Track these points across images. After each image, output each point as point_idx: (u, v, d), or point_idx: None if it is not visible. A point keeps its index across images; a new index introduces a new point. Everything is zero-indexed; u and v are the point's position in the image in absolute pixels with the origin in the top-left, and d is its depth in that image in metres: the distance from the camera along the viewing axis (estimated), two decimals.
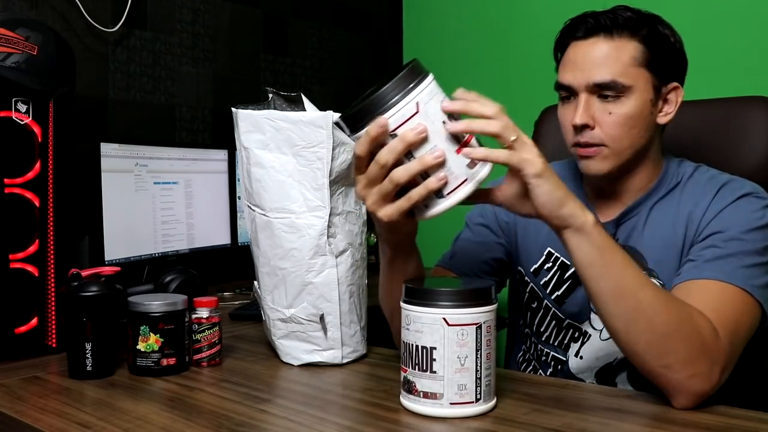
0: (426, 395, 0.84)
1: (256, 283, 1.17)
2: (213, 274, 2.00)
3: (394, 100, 0.80)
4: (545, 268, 1.18)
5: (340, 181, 1.05)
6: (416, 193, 0.82)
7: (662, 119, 1.09)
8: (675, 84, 1.09)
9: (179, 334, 1.06)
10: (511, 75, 2.46)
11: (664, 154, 1.14)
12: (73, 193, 1.27)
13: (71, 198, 1.25)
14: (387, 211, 0.84)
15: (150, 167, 1.78)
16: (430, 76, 0.83)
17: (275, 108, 1.07)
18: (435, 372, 0.83)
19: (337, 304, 1.07)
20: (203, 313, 1.10)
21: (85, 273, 1.14)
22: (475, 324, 0.83)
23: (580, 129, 1.05)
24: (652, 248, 1.09)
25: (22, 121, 1.17)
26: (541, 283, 1.19)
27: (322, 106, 1.06)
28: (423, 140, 0.80)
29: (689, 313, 0.88)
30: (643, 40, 1.04)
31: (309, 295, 1.06)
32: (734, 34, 2.01)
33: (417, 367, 0.84)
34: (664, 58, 1.06)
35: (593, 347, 1.13)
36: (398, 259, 0.99)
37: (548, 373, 1.18)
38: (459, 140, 0.82)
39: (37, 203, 1.18)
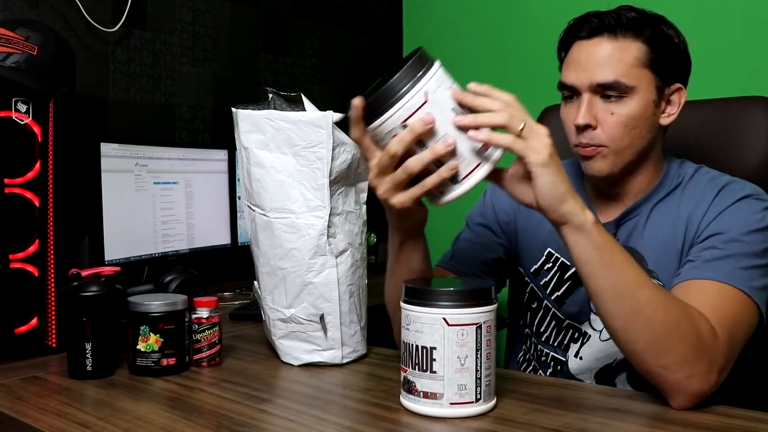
0: (426, 395, 0.84)
1: (256, 283, 1.17)
2: (213, 274, 2.00)
3: (402, 92, 0.81)
4: (545, 268, 1.18)
5: (340, 181, 1.05)
6: (429, 182, 0.84)
7: (665, 120, 1.09)
8: (678, 85, 1.08)
9: (179, 334, 1.06)
10: (511, 75, 2.46)
11: (666, 155, 1.14)
12: (73, 193, 1.27)
13: (71, 198, 1.25)
14: (400, 199, 0.86)
15: (150, 167, 1.78)
16: (437, 64, 0.84)
17: (275, 108, 1.07)
18: (435, 372, 0.83)
19: (337, 304, 1.07)
20: (203, 313, 1.10)
21: (85, 273, 1.14)
22: (475, 324, 0.83)
23: (582, 129, 1.05)
24: (653, 249, 1.08)
25: (22, 121, 1.17)
26: (541, 283, 1.19)
27: (322, 106, 1.06)
28: (432, 130, 0.81)
29: (688, 313, 0.88)
30: (647, 40, 1.04)
31: (309, 295, 1.06)
32: (734, 34, 2.01)
33: (417, 367, 0.84)
34: (668, 59, 1.06)
35: (593, 348, 1.13)
36: (407, 247, 1.00)
37: (548, 374, 1.18)
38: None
39: (37, 203, 1.18)
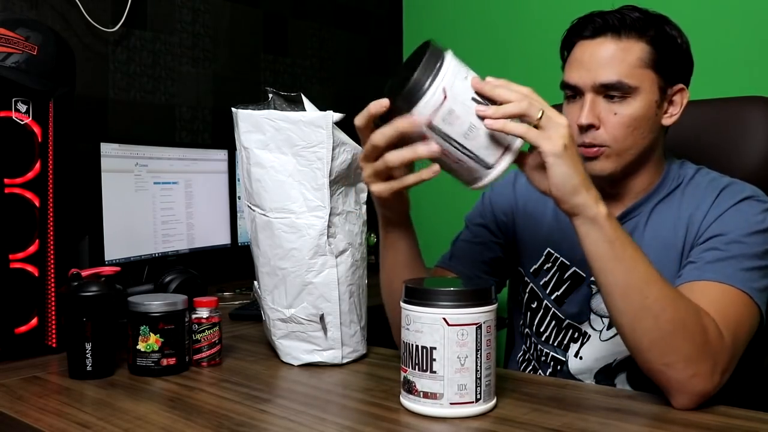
0: (426, 395, 0.84)
1: (256, 283, 1.17)
2: (213, 274, 2.00)
3: (420, 92, 0.81)
4: (545, 268, 1.18)
5: (340, 181, 1.05)
6: (409, 180, 0.88)
7: (667, 121, 1.09)
8: (681, 85, 1.08)
9: (179, 334, 1.06)
10: (511, 75, 2.44)
11: (666, 156, 1.14)
12: (73, 193, 1.27)
13: (71, 198, 1.25)
14: (378, 188, 0.89)
15: (150, 167, 1.78)
16: (449, 56, 0.84)
17: (275, 108, 1.07)
18: (435, 372, 0.83)
19: (337, 304, 1.07)
20: (203, 313, 1.10)
21: (85, 273, 1.14)
22: (475, 324, 0.83)
23: (585, 129, 1.05)
24: (653, 249, 1.08)
25: (22, 121, 1.17)
26: (541, 283, 1.19)
27: (322, 106, 1.06)
28: (416, 130, 0.83)
29: (696, 311, 0.88)
30: (651, 41, 1.04)
31: (309, 295, 1.06)
32: (734, 34, 2.01)
33: (417, 367, 0.84)
34: (671, 59, 1.06)
35: (593, 348, 1.13)
36: (392, 235, 1.03)
37: (547, 374, 1.18)
38: None
39: (37, 203, 1.18)
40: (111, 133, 1.93)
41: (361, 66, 2.72)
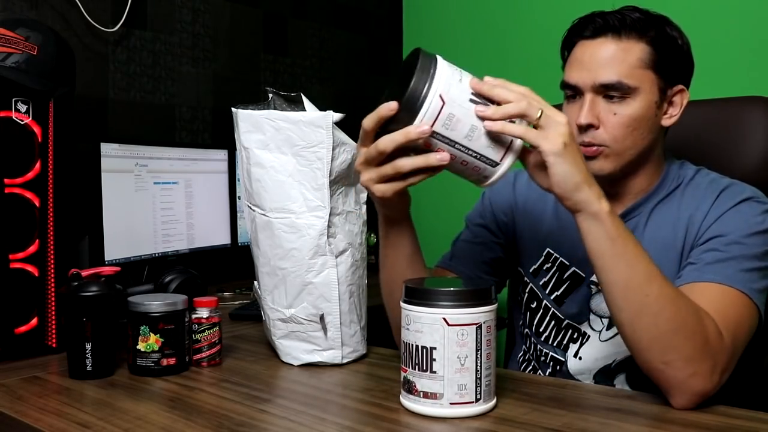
0: (426, 395, 0.84)
1: (256, 283, 1.17)
2: (213, 274, 2.00)
3: (419, 103, 0.82)
4: (544, 268, 1.18)
5: (340, 181, 1.05)
6: (413, 180, 0.88)
7: (666, 121, 1.09)
8: (681, 86, 1.08)
9: (179, 334, 1.06)
10: (511, 75, 2.44)
11: (666, 156, 1.14)
12: (73, 193, 1.27)
13: (71, 198, 1.25)
14: (382, 188, 0.89)
15: (150, 167, 1.78)
16: (440, 61, 0.84)
17: (275, 108, 1.07)
18: (435, 372, 0.83)
19: (337, 304, 1.07)
20: (203, 313, 1.10)
21: (85, 273, 1.14)
22: (475, 324, 0.83)
23: (584, 129, 1.05)
24: (653, 250, 1.08)
25: (22, 121, 1.17)
26: (541, 283, 1.19)
27: (322, 106, 1.06)
28: (425, 139, 0.83)
29: (696, 311, 0.88)
30: (651, 41, 1.04)
31: (309, 295, 1.06)
32: (734, 34, 2.01)
33: (417, 367, 0.84)
34: (671, 60, 1.06)
35: (592, 348, 1.13)
36: (394, 232, 1.03)
37: (547, 374, 1.18)
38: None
39: (37, 203, 1.18)
40: (111, 133, 1.93)
41: (361, 66, 2.72)
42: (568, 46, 1.11)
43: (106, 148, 1.65)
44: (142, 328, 1.04)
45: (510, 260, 1.25)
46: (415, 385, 0.85)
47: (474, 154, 0.85)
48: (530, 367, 1.24)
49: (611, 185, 1.12)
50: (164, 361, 1.05)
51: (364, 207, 1.11)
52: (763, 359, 1.25)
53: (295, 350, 1.09)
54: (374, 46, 2.77)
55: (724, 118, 1.32)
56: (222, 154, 2.02)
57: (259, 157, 1.05)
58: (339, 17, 2.63)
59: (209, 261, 2.01)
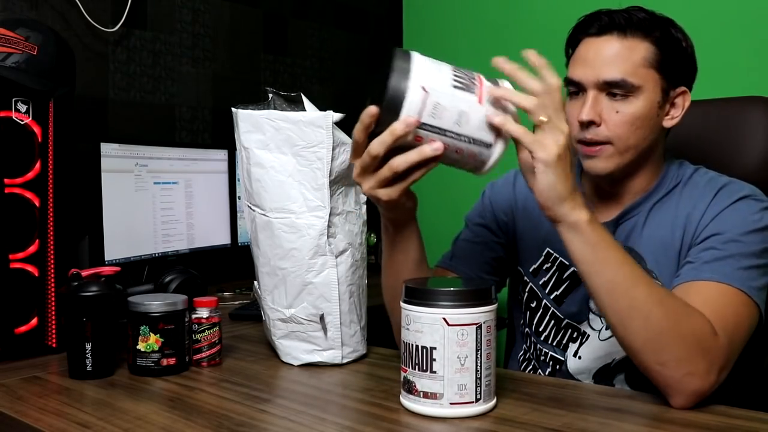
0: (426, 395, 0.84)
1: (256, 283, 1.17)
2: (213, 274, 2.00)
3: (400, 97, 0.81)
4: (544, 268, 1.19)
5: (340, 181, 1.05)
6: (416, 176, 0.87)
7: (668, 123, 1.09)
8: (683, 88, 1.09)
9: (179, 334, 1.06)
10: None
11: (666, 157, 1.14)
12: (73, 193, 1.27)
13: (71, 198, 1.25)
14: (386, 192, 0.88)
15: (150, 167, 1.78)
16: (416, 54, 0.85)
17: (275, 108, 1.07)
18: (435, 372, 0.83)
19: (337, 304, 1.07)
20: (203, 313, 1.10)
21: (85, 273, 1.14)
22: (475, 324, 0.83)
23: (586, 125, 1.05)
24: (651, 249, 1.09)
25: (22, 121, 1.17)
26: (540, 282, 1.19)
27: (322, 106, 1.06)
28: (410, 131, 0.83)
29: (686, 311, 0.88)
30: (656, 41, 1.05)
31: (309, 295, 1.06)
32: (734, 34, 2.01)
33: (417, 367, 0.84)
34: (675, 61, 1.06)
35: (592, 347, 1.13)
36: (400, 238, 1.01)
37: (546, 373, 1.18)
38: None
39: (37, 203, 1.18)
40: (111, 133, 1.93)
41: (361, 66, 2.72)
42: (572, 43, 1.11)
43: (106, 148, 1.65)
44: (142, 328, 1.04)
45: (510, 260, 1.25)
46: (415, 385, 0.85)
47: (466, 139, 0.85)
48: (530, 367, 1.24)
49: (610, 185, 1.12)
50: (164, 361, 1.05)
51: (364, 207, 1.11)
52: (763, 359, 1.25)
53: (295, 350, 1.09)
54: (374, 46, 2.77)
55: (724, 118, 1.32)
56: (222, 154, 2.02)
57: (259, 157, 1.05)
58: (339, 17, 2.63)
59: (209, 261, 2.01)
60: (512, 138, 0.86)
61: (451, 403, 0.83)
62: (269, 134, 1.04)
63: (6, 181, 1.16)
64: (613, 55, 1.04)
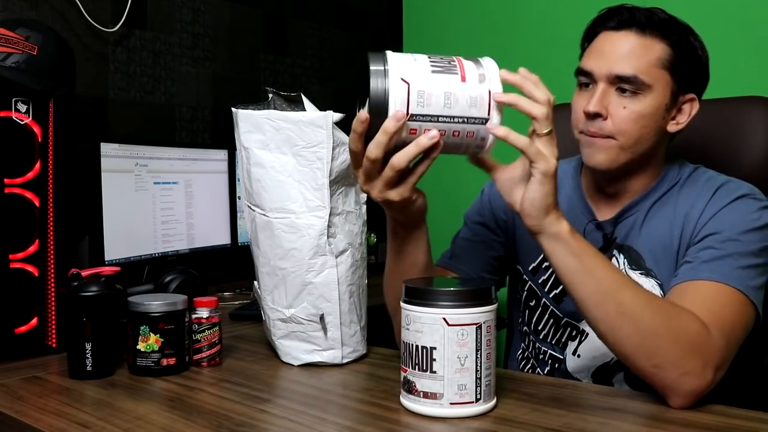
0: (426, 395, 0.84)
1: (256, 283, 1.17)
2: (213, 274, 2.00)
3: (383, 95, 0.82)
4: (543, 266, 1.19)
5: (340, 181, 1.05)
6: (421, 169, 0.87)
7: (672, 127, 1.09)
8: (692, 95, 1.09)
9: (179, 334, 1.06)
10: None
11: (667, 159, 1.14)
12: (73, 193, 1.27)
13: (71, 198, 1.25)
14: (397, 192, 0.88)
15: (150, 167, 1.78)
16: (388, 53, 0.85)
17: (275, 108, 1.07)
18: (435, 372, 0.83)
19: (337, 304, 1.07)
20: (203, 313, 1.10)
21: (85, 273, 1.14)
22: (475, 324, 0.83)
23: (592, 117, 1.05)
24: (650, 248, 1.09)
25: (22, 121, 1.17)
26: (540, 281, 1.19)
27: (322, 106, 1.06)
28: (401, 124, 0.82)
29: (675, 312, 0.89)
30: (673, 44, 1.05)
31: (309, 295, 1.06)
32: (734, 34, 2.01)
33: (417, 367, 0.84)
34: (688, 67, 1.07)
35: (591, 346, 1.13)
36: (410, 241, 1.00)
37: (545, 372, 1.18)
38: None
39: (37, 203, 1.18)
40: (111, 133, 1.93)
41: (361, 66, 2.72)
42: (589, 36, 1.11)
43: (106, 148, 1.65)
44: (142, 328, 1.04)
45: (510, 258, 1.25)
46: (415, 385, 0.85)
47: (459, 119, 0.84)
48: (529, 365, 1.24)
49: (609, 183, 1.12)
50: (164, 361, 1.05)
51: (364, 207, 1.11)
52: (762, 359, 1.25)
53: (295, 350, 1.10)
54: (374, 46, 2.77)
55: (724, 118, 1.32)
56: (222, 154, 2.02)
57: (259, 157, 1.05)
58: (339, 17, 2.63)
59: (209, 261, 2.01)
60: (515, 147, 0.86)
61: (451, 403, 0.83)
62: (269, 134, 1.04)
63: (6, 181, 1.16)
64: (628, 51, 1.04)
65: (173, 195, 1.85)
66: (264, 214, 1.07)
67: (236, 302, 1.71)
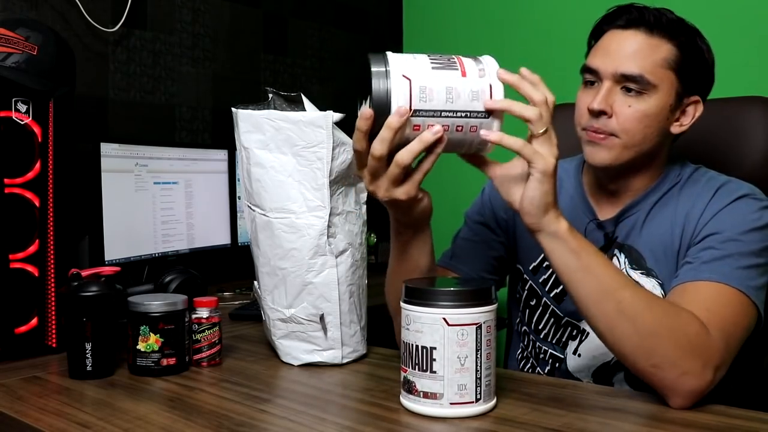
0: (426, 395, 0.84)
1: (256, 283, 1.17)
2: (213, 274, 2.00)
3: (386, 93, 0.82)
4: (544, 265, 1.19)
5: (340, 181, 1.05)
6: (427, 165, 0.86)
7: (676, 129, 1.09)
8: (697, 98, 1.09)
9: (179, 334, 1.06)
10: None
11: (668, 160, 1.14)
12: (73, 193, 1.27)
13: (71, 198, 1.25)
14: (403, 190, 0.87)
15: (150, 167, 1.78)
16: (388, 53, 0.86)
17: (275, 108, 1.07)
18: (435, 372, 0.83)
19: (337, 304, 1.07)
20: (203, 313, 1.10)
21: (85, 273, 1.14)
22: (475, 324, 0.83)
23: (596, 114, 1.05)
24: (651, 248, 1.09)
25: (22, 121, 1.17)
26: (540, 280, 1.19)
27: (322, 106, 1.06)
28: (404, 119, 0.82)
29: (675, 312, 0.89)
30: (680, 45, 1.05)
31: (309, 295, 1.06)
32: (734, 34, 2.01)
33: (417, 367, 0.84)
34: (695, 69, 1.07)
35: (591, 345, 1.13)
36: (414, 243, 1.00)
37: (546, 371, 1.18)
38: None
39: (37, 203, 1.18)
40: (111, 133, 1.93)
41: (361, 66, 2.72)
42: (596, 34, 1.11)
43: (106, 148, 1.65)
44: (142, 328, 1.04)
45: (510, 258, 1.25)
46: (415, 385, 0.85)
47: (462, 114, 0.84)
48: (529, 365, 1.24)
49: (611, 180, 1.12)
50: (164, 361, 1.05)
51: (364, 207, 1.11)
52: (763, 359, 1.25)
53: (295, 350, 1.10)
54: (374, 46, 2.77)
55: (724, 118, 1.32)
56: (222, 154, 2.02)
57: (259, 157, 1.05)
58: (339, 17, 2.63)
59: (209, 261, 2.01)
60: (510, 150, 0.86)
61: (451, 403, 0.83)
62: (269, 134, 1.04)
63: (6, 181, 1.16)
64: (635, 50, 1.04)
65: (173, 195, 1.85)
66: (264, 214, 1.07)
67: (236, 302, 1.71)
